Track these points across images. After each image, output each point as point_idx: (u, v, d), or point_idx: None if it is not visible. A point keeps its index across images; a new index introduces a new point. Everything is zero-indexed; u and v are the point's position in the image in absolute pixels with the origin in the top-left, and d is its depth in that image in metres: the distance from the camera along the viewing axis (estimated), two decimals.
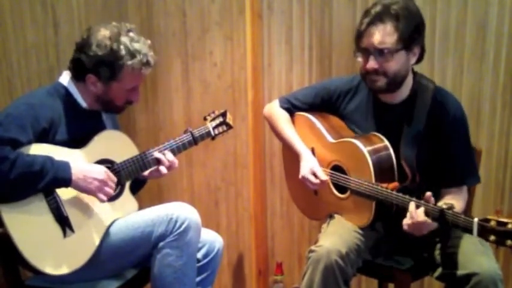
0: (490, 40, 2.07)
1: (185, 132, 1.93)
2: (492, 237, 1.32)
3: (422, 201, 1.49)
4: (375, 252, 1.75)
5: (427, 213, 1.46)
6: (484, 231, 1.33)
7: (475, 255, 1.54)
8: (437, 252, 1.66)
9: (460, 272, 1.52)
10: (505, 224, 1.30)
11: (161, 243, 1.71)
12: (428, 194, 1.48)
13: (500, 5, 2.03)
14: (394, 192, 1.57)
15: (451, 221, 1.41)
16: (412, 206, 1.49)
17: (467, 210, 1.86)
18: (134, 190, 1.89)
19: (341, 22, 2.26)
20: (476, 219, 1.35)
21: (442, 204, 1.47)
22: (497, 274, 1.49)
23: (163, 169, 1.84)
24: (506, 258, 2.22)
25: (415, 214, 1.47)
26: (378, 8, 1.59)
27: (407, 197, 1.53)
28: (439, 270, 1.62)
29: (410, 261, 1.74)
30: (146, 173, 1.88)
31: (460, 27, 2.09)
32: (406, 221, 1.50)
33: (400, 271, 1.73)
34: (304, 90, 2.00)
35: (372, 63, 1.61)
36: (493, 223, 1.32)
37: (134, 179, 1.85)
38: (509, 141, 2.13)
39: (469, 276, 1.49)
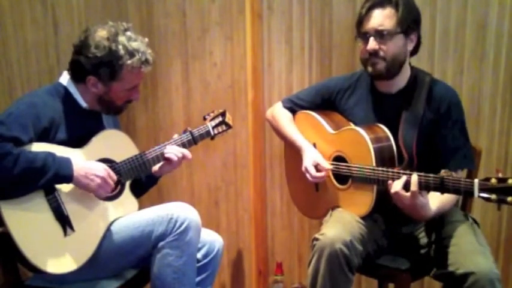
0: (490, 40, 2.07)
1: (184, 131, 1.93)
2: (493, 196, 1.32)
3: (422, 174, 1.51)
4: (377, 248, 1.76)
5: (428, 185, 1.49)
6: (484, 191, 1.34)
7: (472, 254, 1.54)
8: (435, 251, 1.66)
9: (457, 271, 1.52)
10: (505, 180, 1.31)
11: (161, 243, 1.71)
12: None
13: (500, 5, 2.03)
14: (395, 171, 1.60)
15: (452, 187, 1.43)
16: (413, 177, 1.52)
17: (467, 204, 1.87)
18: (145, 189, 1.93)
19: (341, 22, 2.26)
20: (476, 180, 1.36)
21: (441, 173, 1.49)
22: (494, 273, 1.49)
23: (173, 158, 1.85)
24: (506, 258, 2.23)
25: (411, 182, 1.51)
26: None
27: (408, 172, 1.56)
28: (437, 270, 1.62)
29: (407, 263, 1.75)
30: (156, 168, 1.90)
31: (460, 27, 2.10)
32: (395, 188, 1.54)
33: (400, 271, 1.73)
34: (306, 90, 2.05)
35: (372, 44, 1.69)
36: (493, 181, 1.32)
37: (145, 176, 1.89)
38: (509, 141, 2.13)
39: (466, 276, 1.50)
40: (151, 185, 2.00)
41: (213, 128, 2.00)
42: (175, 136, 1.92)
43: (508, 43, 2.05)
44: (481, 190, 1.34)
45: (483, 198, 1.35)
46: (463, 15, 2.08)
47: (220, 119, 2.03)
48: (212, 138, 2.01)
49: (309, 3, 2.30)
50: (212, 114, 2.03)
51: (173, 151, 1.86)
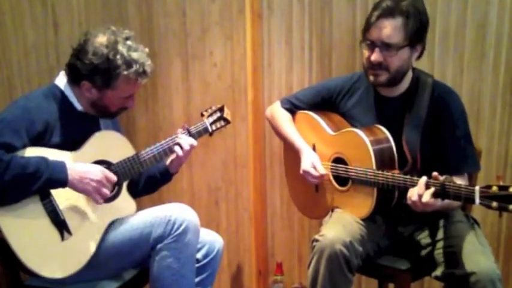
0: (490, 40, 2.07)
1: (182, 129, 1.91)
2: (494, 204, 1.32)
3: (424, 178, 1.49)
4: (377, 248, 1.76)
5: (428, 187, 1.47)
6: (485, 198, 1.33)
7: (473, 254, 1.54)
8: (435, 252, 1.66)
9: (458, 271, 1.53)
10: (507, 188, 1.30)
11: (159, 245, 1.70)
12: (435, 173, 1.48)
13: (500, 5, 2.03)
14: (395, 175, 1.60)
15: (453, 193, 1.42)
16: (422, 180, 1.49)
17: (467, 204, 1.86)
18: (159, 185, 1.95)
19: (341, 22, 2.26)
20: (477, 187, 1.35)
21: (442, 179, 1.47)
22: (495, 273, 1.49)
23: (178, 150, 1.82)
24: (506, 258, 2.23)
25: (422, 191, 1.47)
26: (388, 3, 1.63)
27: (408, 176, 1.56)
28: (438, 270, 1.63)
29: (407, 263, 1.75)
30: (168, 162, 1.90)
31: (460, 27, 2.09)
32: (411, 198, 1.51)
33: (400, 271, 1.73)
34: (305, 90, 2.04)
35: (377, 56, 1.65)
36: (494, 188, 1.32)
37: (161, 172, 1.91)
38: (509, 141, 2.13)
39: (467, 276, 1.50)
40: (165, 182, 1.99)
41: (211, 124, 1.96)
42: (179, 131, 1.90)
43: (508, 43, 2.05)
44: (482, 197, 1.34)
45: (484, 205, 1.34)
46: (463, 15, 2.08)
47: (218, 114, 1.99)
48: (210, 134, 1.97)
49: (309, 3, 2.29)
50: (210, 110, 1.98)
51: (182, 143, 1.85)
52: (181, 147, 1.84)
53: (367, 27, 1.67)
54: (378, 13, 1.63)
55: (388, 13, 1.62)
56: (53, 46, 2.42)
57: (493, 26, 2.05)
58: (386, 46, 1.64)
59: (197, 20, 2.46)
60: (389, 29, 1.62)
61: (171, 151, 1.86)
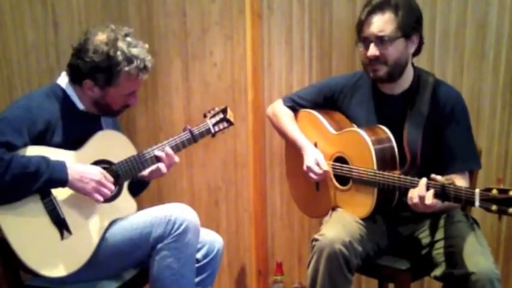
0: (490, 40, 2.07)
1: (184, 130, 1.90)
2: (494, 207, 1.32)
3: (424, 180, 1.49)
4: (377, 248, 1.76)
5: (428, 189, 1.48)
6: (485, 201, 1.34)
7: (472, 254, 1.54)
8: (435, 251, 1.67)
9: (458, 271, 1.53)
10: (507, 191, 1.31)
11: (159, 245, 1.70)
12: (434, 175, 1.48)
13: (500, 5, 2.03)
14: (396, 175, 1.60)
15: (453, 195, 1.42)
16: (422, 182, 1.49)
17: (467, 207, 1.86)
18: (136, 192, 1.88)
19: (341, 22, 2.26)
20: (477, 190, 1.36)
21: (442, 180, 1.47)
22: (494, 273, 1.49)
23: (162, 167, 1.81)
24: (506, 258, 2.23)
25: (423, 193, 1.47)
26: None
27: (409, 177, 1.56)
28: (437, 270, 1.63)
29: (407, 263, 1.75)
30: (146, 173, 1.86)
31: (460, 27, 2.09)
32: (412, 199, 1.50)
33: (400, 271, 1.73)
34: (307, 89, 2.04)
35: (373, 50, 1.67)
36: (494, 191, 1.32)
37: (136, 180, 1.85)
38: (509, 141, 2.13)
39: (466, 276, 1.50)
40: (142, 190, 1.96)
41: (214, 125, 1.95)
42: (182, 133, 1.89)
43: (508, 43, 2.05)
44: (482, 200, 1.34)
45: (484, 208, 1.34)
46: (463, 15, 2.08)
47: (221, 115, 1.98)
48: (213, 135, 1.97)
49: (309, 3, 2.30)
50: (213, 112, 1.98)
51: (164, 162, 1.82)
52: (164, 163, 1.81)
53: (360, 26, 1.70)
54: (368, 9, 1.68)
55: (377, 8, 1.66)
56: (53, 46, 2.41)
57: (493, 26, 2.06)
58: (380, 39, 1.66)
59: (197, 20, 2.46)
60: (380, 22, 1.65)
61: (174, 152, 1.85)
